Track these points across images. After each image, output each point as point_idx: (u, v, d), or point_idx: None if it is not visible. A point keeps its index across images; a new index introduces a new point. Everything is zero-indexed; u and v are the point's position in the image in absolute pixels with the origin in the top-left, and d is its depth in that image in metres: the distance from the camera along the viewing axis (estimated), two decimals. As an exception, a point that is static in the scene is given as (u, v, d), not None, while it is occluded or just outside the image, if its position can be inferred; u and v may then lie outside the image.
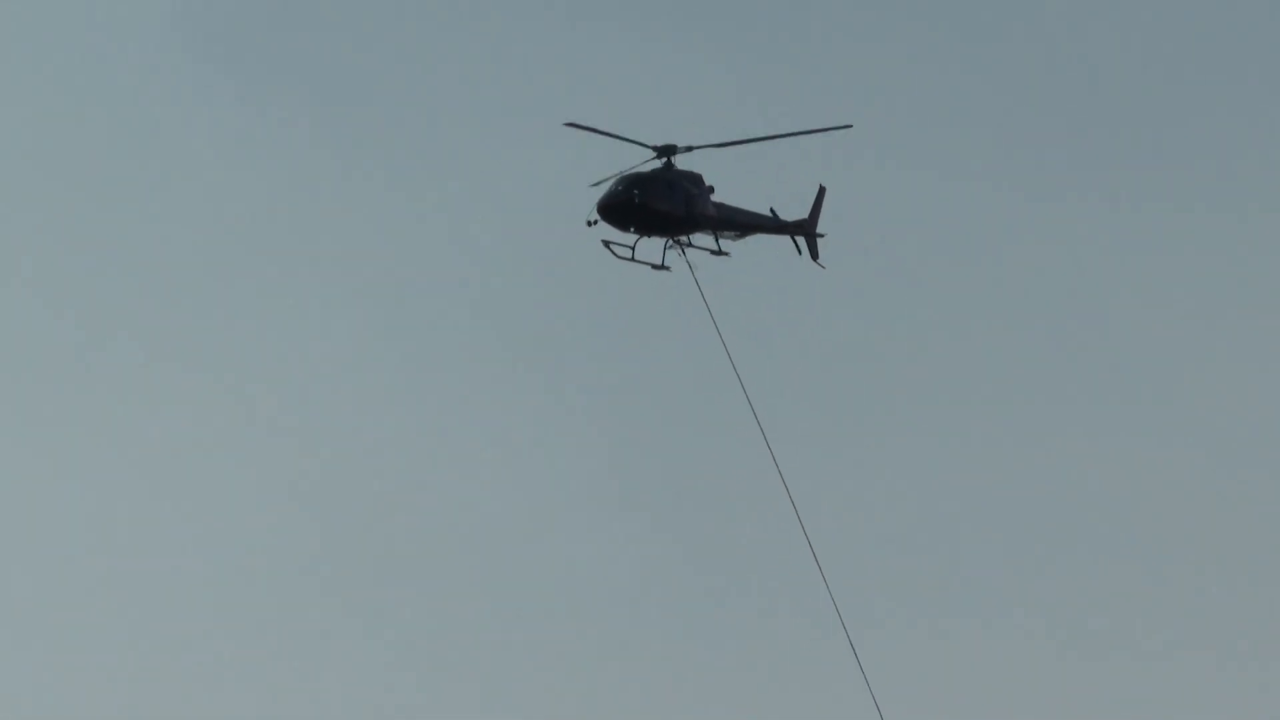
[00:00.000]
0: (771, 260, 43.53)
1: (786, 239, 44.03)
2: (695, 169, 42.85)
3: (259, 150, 70.32)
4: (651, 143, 42.05)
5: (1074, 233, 69.66)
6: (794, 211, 44.18)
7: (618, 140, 41.21)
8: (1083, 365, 67.71)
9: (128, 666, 58.23)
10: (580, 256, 42.63)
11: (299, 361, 66.30)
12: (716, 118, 45.21)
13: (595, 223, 42.11)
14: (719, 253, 42.83)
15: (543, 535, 61.83)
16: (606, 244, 42.54)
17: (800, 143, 43.12)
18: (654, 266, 42.65)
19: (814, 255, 44.24)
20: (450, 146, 70.30)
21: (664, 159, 42.30)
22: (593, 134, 40.63)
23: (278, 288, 67.78)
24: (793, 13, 71.52)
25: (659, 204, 41.92)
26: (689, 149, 42.20)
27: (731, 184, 43.71)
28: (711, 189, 42.89)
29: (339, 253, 67.89)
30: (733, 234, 43.57)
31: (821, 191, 44.17)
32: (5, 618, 59.55)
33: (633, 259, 42.68)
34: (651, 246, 42.63)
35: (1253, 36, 73.94)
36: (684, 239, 42.61)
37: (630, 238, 42.40)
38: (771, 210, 44.70)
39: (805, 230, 44.12)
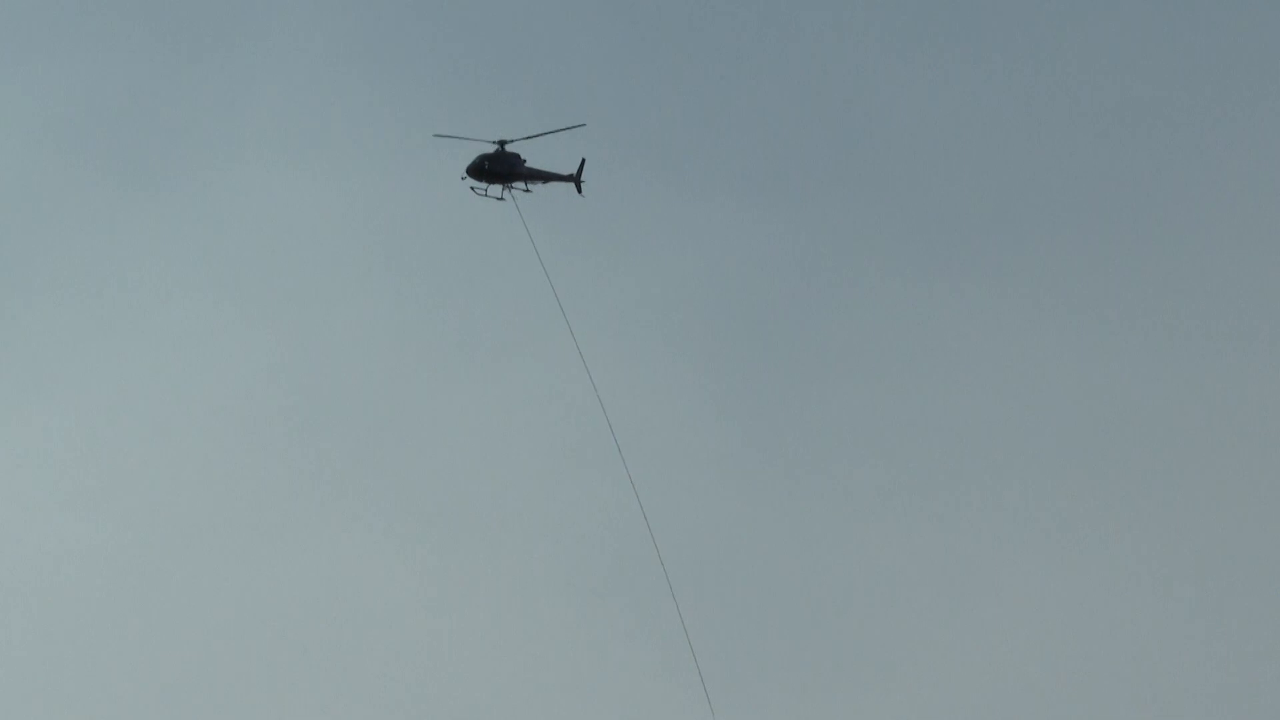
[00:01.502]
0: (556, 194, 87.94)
1: (566, 185, 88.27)
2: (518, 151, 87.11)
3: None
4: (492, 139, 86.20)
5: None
6: (569, 169, 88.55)
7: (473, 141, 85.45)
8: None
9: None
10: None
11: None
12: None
13: (465, 178, 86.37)
14: (526, 190, 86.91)
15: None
16: (471, 188, 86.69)
17: (580, 135, 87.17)
18: (496, 199, 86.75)
19: (579, 190, 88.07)
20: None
21: (500, 145, 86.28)
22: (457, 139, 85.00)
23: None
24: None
25: (496, 167, 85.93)
26: (511, 141, 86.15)
27: (542, 159, 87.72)
28: (525, 160, 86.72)
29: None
30: (539, 182, 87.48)
31: (583, 161, 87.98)
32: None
33: (485, 195, 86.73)
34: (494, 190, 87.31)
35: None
36: (510, 185, 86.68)
37: (483, 185, 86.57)
38: (578, 169, 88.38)
39: (575, 179, 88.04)
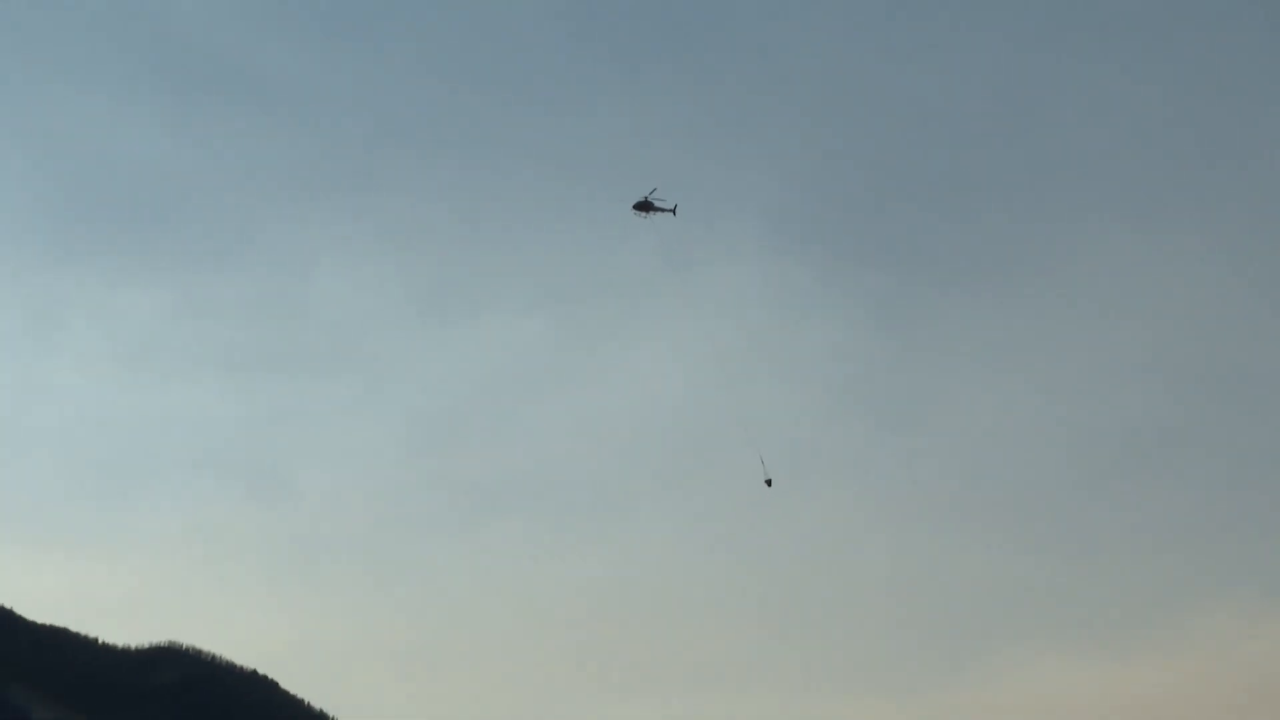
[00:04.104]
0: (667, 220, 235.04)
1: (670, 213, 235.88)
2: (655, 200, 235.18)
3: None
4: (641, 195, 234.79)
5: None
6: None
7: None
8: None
9: None
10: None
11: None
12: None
13: (632, 210, 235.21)
14: (650, 216, 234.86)
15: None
16: (636, 214, 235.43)
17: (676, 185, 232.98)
18: (643, 217, 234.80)
19: (675, 214, 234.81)
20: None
21: (645, 197, 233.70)
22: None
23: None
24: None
25: (644, 207, 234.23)
26: (653, 193, 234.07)
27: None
28: (650, 203, 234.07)
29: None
30: (662, 212, 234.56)
31: (676, 204, 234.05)
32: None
33: (640, 215, 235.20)
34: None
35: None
36: (650, 213, 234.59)
37: (639, 213, 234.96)
38: (675, 206, 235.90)
39: (673, 210, 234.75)
